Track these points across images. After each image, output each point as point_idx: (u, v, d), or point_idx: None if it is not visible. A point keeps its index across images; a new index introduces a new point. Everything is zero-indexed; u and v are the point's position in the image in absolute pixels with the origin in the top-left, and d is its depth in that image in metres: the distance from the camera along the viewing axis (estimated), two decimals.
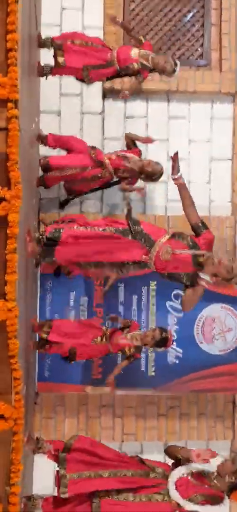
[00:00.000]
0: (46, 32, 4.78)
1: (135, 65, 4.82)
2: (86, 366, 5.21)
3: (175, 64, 4.89)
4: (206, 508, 3.68)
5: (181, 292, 5.26)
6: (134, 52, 4.82)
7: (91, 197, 5.46)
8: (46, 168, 4.90)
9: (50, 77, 4.86)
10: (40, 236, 4.08)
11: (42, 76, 4.84)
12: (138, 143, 5.09)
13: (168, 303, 5.42)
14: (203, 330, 5.47)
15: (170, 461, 4.08)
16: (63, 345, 4.46)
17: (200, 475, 3.72)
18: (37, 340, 4.71)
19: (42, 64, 4.84)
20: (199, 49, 5.98)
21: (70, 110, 5.51)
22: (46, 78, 4.87)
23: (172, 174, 4.12)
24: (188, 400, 5.53)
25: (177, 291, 5.33)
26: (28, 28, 3.86)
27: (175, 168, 4.05)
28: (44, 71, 4.83)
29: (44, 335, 4.47)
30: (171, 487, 3.68)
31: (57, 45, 4.73)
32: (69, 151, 4.98)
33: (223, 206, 5.91)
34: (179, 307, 5.34)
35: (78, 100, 5.54)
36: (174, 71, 4.90)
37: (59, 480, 3.74)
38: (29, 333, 4.25)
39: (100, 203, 5.53)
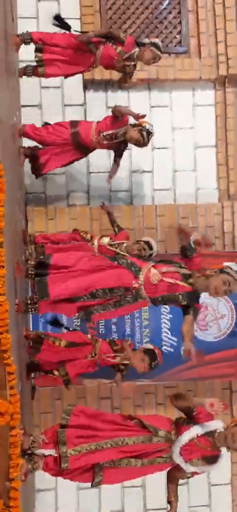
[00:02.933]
0: (23, 26, 4.75)
1: (127, 69, 4.84)
2: None
3: (159, 49, 4.84)
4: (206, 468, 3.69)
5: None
6: (117, 62, 4.77)
7: (77, 189, 5.43)
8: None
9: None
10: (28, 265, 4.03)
11: (25, 75, 4.84)
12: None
13: None
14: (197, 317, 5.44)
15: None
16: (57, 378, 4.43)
17: (204, 437, 3.65)
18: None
19: (23, 64, 4.84)
20: (177, 36, 5.99)
21: (52, 103, 5.49)
22: (28, 77, 4.86)
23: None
24: (186, 388, 5.50)
25: None
26: (3, 23, 3.81)
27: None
28: (26, 71, 4.82)
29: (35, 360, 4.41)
30: (176, 452, 3.63)
31: (38, 50, 4.71)
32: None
33: (209, 193, 5.93)
34: None
35: (59, 92, 5.53)
36: (160, 57, 4.90)
37: (59, 457, 3.65)
38: (20, 328, 4.19)
39: (86, 195, 5.51)
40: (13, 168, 4.06)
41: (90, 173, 5.62)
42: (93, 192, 5.54)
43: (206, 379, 5.53)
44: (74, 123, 4.87)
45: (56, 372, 4.43)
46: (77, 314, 4.20)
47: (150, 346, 4.48)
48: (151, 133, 4.79)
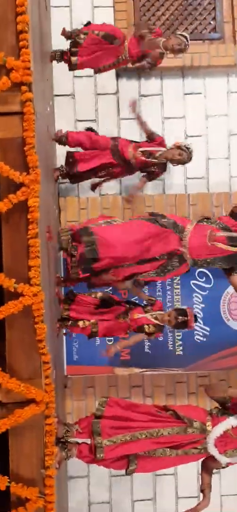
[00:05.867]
0: (56, 14, 4.73)
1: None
2: None
3: (186, 39, 4.73)
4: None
5: (206, 271, 5.28)
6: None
7: None
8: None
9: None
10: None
11: (54, 60, 4.84)
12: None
13: (192, 282, 5.37)
14: (229, 307, 5.41)
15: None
16: (85, 328, 4.38)
17: None
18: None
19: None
20: (211, 22, 5.88)
21: (84, 92, 5.48)
22: (57, 62, 4.86)
23: None
24: (218, 378, 5.47)
25: (201, 269, 5.28)
26: (38, 10, 3.82)
27: None
28: (55, 56, 4.82)
29: (65, 313, 4.38)
30: (211, 443, 3.63)
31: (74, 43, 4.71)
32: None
33: None
34: (204, 285, 5.30)
35: (91, 82, 5.51)
36: (186, 46, 4.78)
37: (94, 447, 3.68)
38: (54, 318, 4.24)
39: (119, 185, 5.49)
40: (46, 158, 4.08)
41: None
42: (125, 182, 5.52)
43: None
44: (114, 138, 4.89)
45: (86, 322, 4.37)
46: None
47: (183, 307, 4.46)
48: (189, 148, 4.73)
